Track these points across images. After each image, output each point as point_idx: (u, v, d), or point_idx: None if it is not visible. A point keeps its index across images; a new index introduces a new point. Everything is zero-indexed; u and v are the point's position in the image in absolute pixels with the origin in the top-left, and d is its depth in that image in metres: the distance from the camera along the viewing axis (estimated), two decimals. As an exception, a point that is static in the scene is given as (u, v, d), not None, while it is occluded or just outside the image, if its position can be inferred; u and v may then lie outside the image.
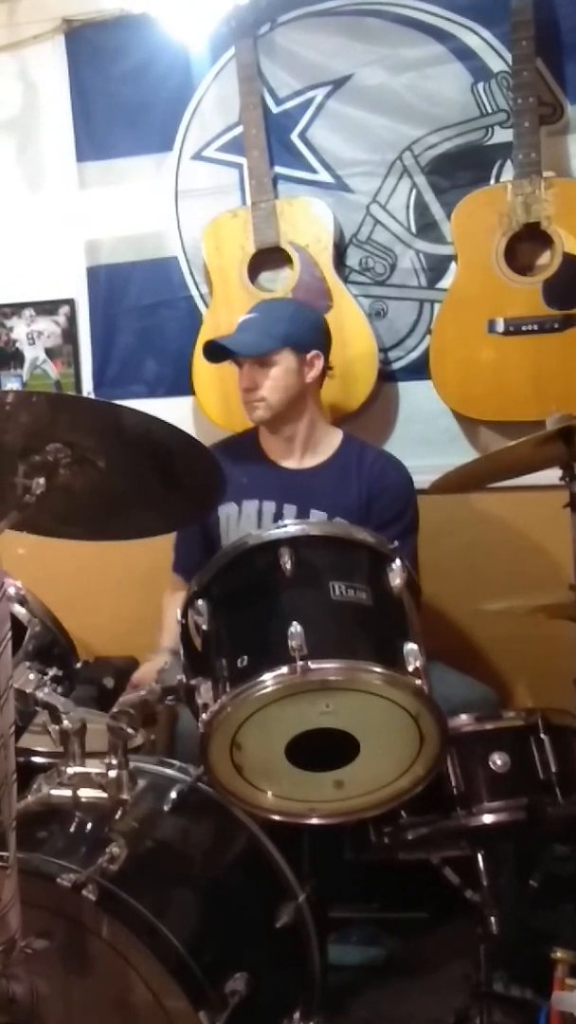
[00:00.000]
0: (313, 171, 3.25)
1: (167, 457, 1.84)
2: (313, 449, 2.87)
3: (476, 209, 3.01)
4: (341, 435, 2.91)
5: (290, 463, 2.87)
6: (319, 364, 2.80)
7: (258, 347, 2.76)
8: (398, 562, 1.91)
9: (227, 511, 2.82)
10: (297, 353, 2.76)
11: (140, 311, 3.47)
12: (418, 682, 1.74)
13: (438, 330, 3.12)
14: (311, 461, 2.86)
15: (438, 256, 3.18)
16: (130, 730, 1.95)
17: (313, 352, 2.79)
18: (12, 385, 3.62)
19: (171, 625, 2.76)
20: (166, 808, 1.98)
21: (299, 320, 2.84)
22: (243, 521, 2.82)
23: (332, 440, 2.89)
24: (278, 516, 2.80)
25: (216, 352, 2.81)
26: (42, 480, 1.76)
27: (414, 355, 3.23)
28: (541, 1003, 2.00)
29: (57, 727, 2.00)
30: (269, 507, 2.81)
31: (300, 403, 2.81)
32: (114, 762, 1.94)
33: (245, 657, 1.77)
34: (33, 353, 3.60)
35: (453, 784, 2.04)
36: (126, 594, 3.45)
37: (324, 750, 1.80)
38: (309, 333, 2.82)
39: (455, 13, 3.08)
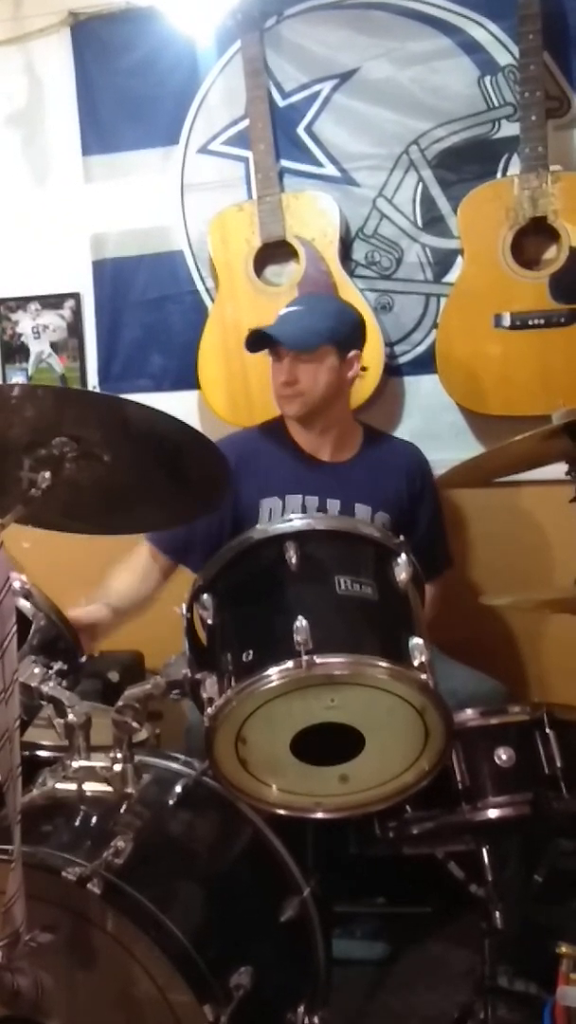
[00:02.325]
0: (319, 165, 3.25)
1: (173, 451, 1.84)
2: (344, 443, 2.86)
3: (483, 203, 3.00)
4: (361, 427, 2.92)
5: (325, 456, 2.85)
6: (357, 365, 2.79)
7: (306, 342, 2.71)
8: (404, 556, 1.90)
9: (270, 504, 2.79)
10: (339, 352, 2.74)
11: (146, 305, 3.47)
12: (423, 677, 1.73)
13: (444, 324, 3.12)
14: (342, 455, 2.85)
15: (444, 250, 3.18)
16: (135, 724, 1.95)
17: (353, 352, 2.77)
18: (17, 379, 3.61)
19: (114, 586, 2.72)
20: (171, 802, 1.98)
21: (343, 319, 2.81)
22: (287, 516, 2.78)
23: (357, 433, 2.90)
24: (323, 512, 2.76)
25: (258, 341, 2.77)
26: (48, 474, 1.76)
27: (420, 349, 3.23)
28: (546, 998, 1.99)
29: (62, 721, 2.00)
30: (312, 501, 2.78)
31: (336, 401, 2.79)
32: (119, 756, 1.95)
33: (250, 651, 1.76)
34: (38, 347, 3.60)
35: (458, 779, 2.04)
36: (131, 588, 3.45)
37: (329, 744, 1.79)
38: (351, 333, 2.79)
39: (462, 7, 3.08)
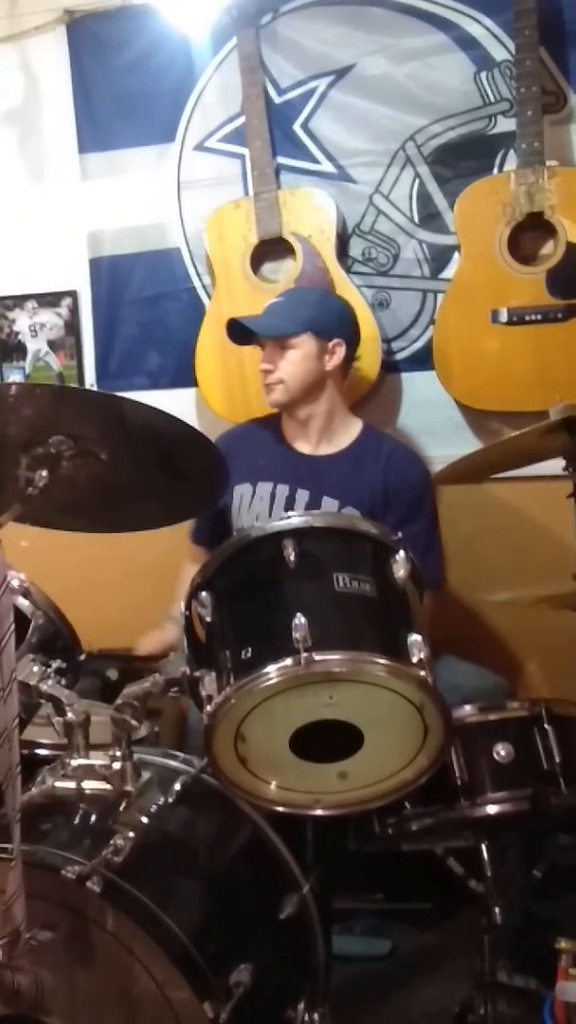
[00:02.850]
0: (316, 161, 3.24)
1: (170, 449, 1.85)
2: (330, 437, 2.88)
3: (479, 199, 3.00)
4: (361, 426, 2.93)
5: (306, 448, 2.89)
6: (341, 352, 2.82)
7: (278, 329, 2.79)
8: (402, 553, 1.90)
9: (242, 491, 2.85)
10: (318, 339, 2.79)
11: (143, 303, 3.47)
12: (422, 673, 1.73)
13: (441, 320, 3.12)
14: (327, 448, 2.88)
15: (441, 246, 3.17)
16: (134, 722, 1.95)
17: (335, 340, 2.80)
18: (15, 377, 3.61)
19: (182, 586, 2.83)
20: (170, 800, 1.97)
21: (323, 307, 2.86)
22: (256, 503, 2.84)
23: (351, 430, 2.91)
24: (291, 501, 2.82)
25: (238, 332, 2.83)
26: (45, 472, 1.76)
27: (417, 345, 3.22)
28: (545, 993, 2.00)
29: (61, 719, 2.01)
30: (283, 491, 2.83)
31: (318, 389, 2.83)
32: (118, 754, 1.95)
33: (249, 649, 1.76)
34: (36, 345, 3.60)
35: (457, 775, 2.04)
36: (129, 586, 3.45)
37: (328, 741, 1.79)
38: (333, 321, 2.84)
39: (458, 2, 3.07)
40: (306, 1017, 1.91)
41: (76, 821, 1.92)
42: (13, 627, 1.57)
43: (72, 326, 3.56)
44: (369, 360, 3.12)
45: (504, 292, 2.98)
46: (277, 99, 3.25)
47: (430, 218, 3.18)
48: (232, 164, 3.32)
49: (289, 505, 2.81)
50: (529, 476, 2.57)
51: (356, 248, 3.24)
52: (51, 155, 3.50)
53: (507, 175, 2.97)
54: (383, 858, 2.34)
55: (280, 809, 1.90)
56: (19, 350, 3.62)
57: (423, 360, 3.17)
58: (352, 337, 2.87)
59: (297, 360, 2.78)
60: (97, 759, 1.97)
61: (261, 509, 2.82)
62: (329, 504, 2.78)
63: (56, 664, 2.10)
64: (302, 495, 2.81)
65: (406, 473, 2.85)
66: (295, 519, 1.94)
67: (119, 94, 3.40)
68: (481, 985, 2.08)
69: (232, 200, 3.26)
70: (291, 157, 3.25)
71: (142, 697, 1.96)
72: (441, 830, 2.10)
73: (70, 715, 1.99)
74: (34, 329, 3.59)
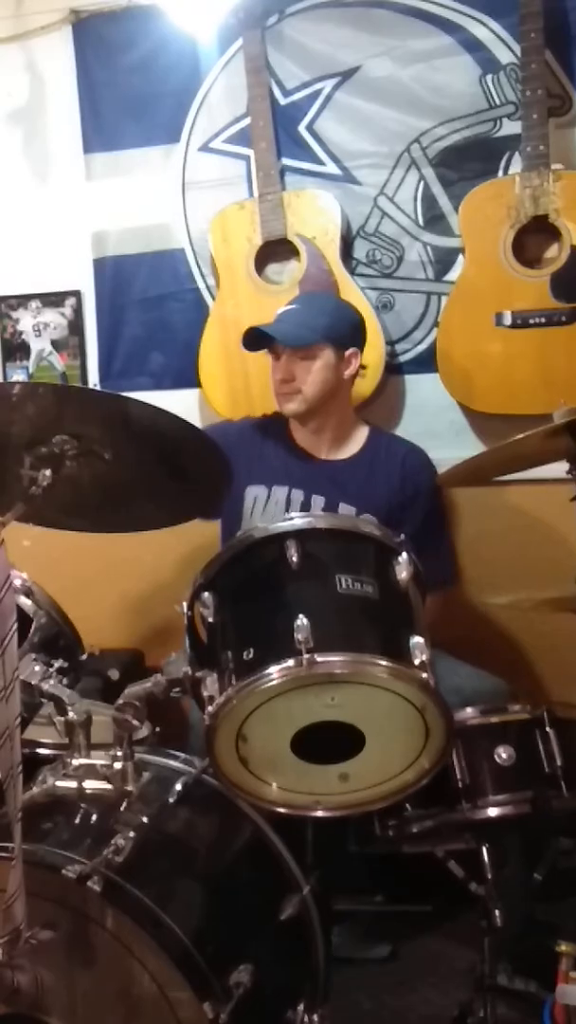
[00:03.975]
0: (320, 163, 3.25)
1: (173, 449, 1.85)
2: (340, 443, 2.89)
3: (484, 201, 3.00)
4: (368, 430, 2.93)
5: (320, 454, 2.88)
6: (356, 362, 2.82)
7: (301, 339, 2.76)
8: (404, 555, 1.90)
9: (255, 492, 2.84)
10: (336, 349, 2.77)
11: (146, 303, 3.47)
12: (424, 675, 1.73)
13: (445, 323, 3.12)
14: (339, 454, 2.89)
15: (445, 248, 3.17)
16: (135, 722, 1.95)
17: (351, 350, 2.80)
18: (18, 377, 3.61)
19: None
20: (171, 800, 1.98)
21: (340, 316, 2.84)
22: (270, 506, 2.83)
23: (359, 435, 2.91)
24: (306, 507, 2.81)
25: (255, 340, 2.80)
26: (48, 472, 1.76)
27: (421, 348, 3.22)
28: (545, 996, 2.00)
29: (62, 719, 2.01)
30: (298, 496, 2.82)
31: (334, 399, 2.82)
32: (119, 754, 1.95)
33: (251, 650, 1.76)
34: (39, 345, 3.60)
35: (458, 777, 2.04)
36: (132, 586, 3.46)
37: (330, 743, 1.79)
38: (349, 330, 2.82)
39: (464, 4, 3.07)
40: (306, 1018, 1.91)
41: (77, 821, 1.93)
42: (16, 626, 1.57)
43: (76, 326, 3.56)
44: (373, 363, 3.12)
45: (508, 295, 2.98)
46: (282, 100, 3.25)
47: (434, 220, 3.18)
48: (237, 165, 3.32)
49: (304, 511, 2.79)
50: (532, 479, 2.56)
51: (360, 250, 3.24)
52: (56, 155, 3.51)
53: (512, 178, 2.97)
54: (384, 860, 2.34)
55: (281, 810, 1.90)
56: (23, 350, 3.62)
57: (427, 362, 3.17)
58: (362, 346, 2.87)
59: (317, 370, 2.76)
60: (98, 759, 1.97)
61: (276, 513, 2.81)
62: (346, 511, 2.77)
63: (58, 663, 2.11)
64: (317, 501, 2.80)
65: (421, 477, 2.86)
66: (298, 520, 1.94)
67: (124, 94, 3.40)
68: (481, 988, 2.08)
69: (236, 201, 3.26)
70: (296, 159, 3.25)
71: (144, 697, 1.96)
72: (442, 832, 2.10)
73: (71, 714, 2.00)
74: (38, 329, 3.59)
